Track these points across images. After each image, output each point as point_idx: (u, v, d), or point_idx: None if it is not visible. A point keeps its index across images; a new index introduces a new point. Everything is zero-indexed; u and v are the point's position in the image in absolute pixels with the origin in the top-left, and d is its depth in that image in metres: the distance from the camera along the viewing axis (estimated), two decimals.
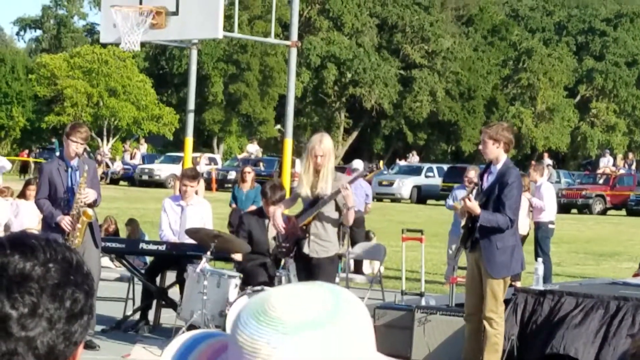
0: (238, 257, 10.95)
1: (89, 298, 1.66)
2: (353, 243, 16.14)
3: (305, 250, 9.48)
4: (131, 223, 16.25)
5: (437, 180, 46.45)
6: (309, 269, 9.48)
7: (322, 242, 9.46)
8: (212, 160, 51.56)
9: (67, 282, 1.63)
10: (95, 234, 10.56)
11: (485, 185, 9.26)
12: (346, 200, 9.34)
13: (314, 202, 9.45)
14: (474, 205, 9.08)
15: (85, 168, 10.36)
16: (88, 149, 11.09)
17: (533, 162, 16.93)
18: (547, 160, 54.09)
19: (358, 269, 16.85)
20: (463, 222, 9.58)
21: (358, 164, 19.38)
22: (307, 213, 9.51)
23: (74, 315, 1.63)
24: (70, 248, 1.69)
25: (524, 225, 15.84)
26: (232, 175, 46.50)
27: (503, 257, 9.10)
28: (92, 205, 10.40)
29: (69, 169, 10.39)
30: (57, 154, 51.89)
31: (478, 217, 9.05)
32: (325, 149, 9.36)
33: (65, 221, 10.22)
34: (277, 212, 9.75)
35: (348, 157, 59.90)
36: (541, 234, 16.21)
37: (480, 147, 9.36)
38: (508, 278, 9.38)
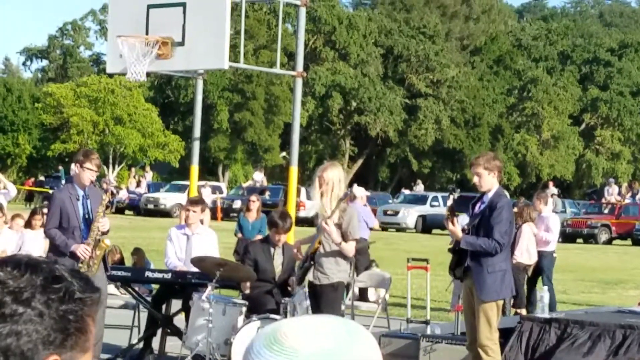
0: (247, 289, 10.91)
1: (12, 325, 1.68)
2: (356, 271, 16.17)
3: (310, 277, 9.54)
4: (137, 252, 16.27)
5: (442, 210, 46.34)
6: (314, 296, 9.52)
7: (324, 269, 9.49)
8: (216, 189, 51.54)
9: None
10: (106, 259, 10.58)
11: (477, 211, 9.32)
12: (330, 237, 9.35)
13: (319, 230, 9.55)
14: (456, 230, 9.14)
15: (103, 197, 10.34)
16: None
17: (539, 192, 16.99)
18: (553, 189, 54.01)
19: (363, 297, 16.86)
20: (450, 245, 9.62)
21: (357, 190, 19.34)
22: (312, 241, 9.61)
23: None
24: (17, 276, 1.71)
25: (533, 255, 15.89)
26: (237, 204, 46.45)
27: (493, 281, 9.11)
28: (105, 233, 10.38)
29: (82, 197, 10.31)
30: (63, 181, 51.93)
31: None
32: (328, 177, 9.42)
33: (81, 249, 10.07)
34: (296, 243, 9.94)
35: (353, 185, 59.85)
36: (546, 263, 16.27)
37: (475, 180, 9.37)
38: (501, 303, 9.37)
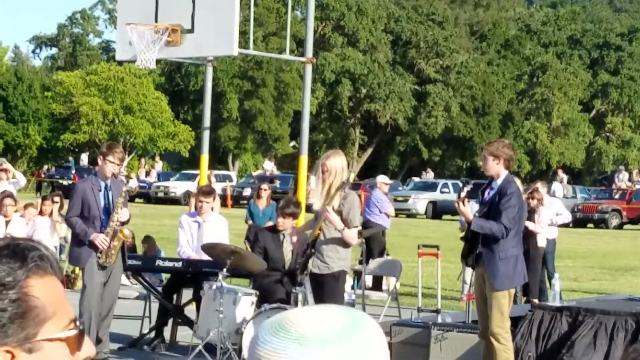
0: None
1: None
2: (369, 256, 16.17)
3: (310, 266, 9.48)
4: (147, 240, 16.27)
5: (452, 196, 46.37)
6: (315, 286, 9.45)
7: (324, 257, 9.42)
8: (226, 178, 51.65)
9: None
10: (125, 250, 10.67)
11: (486, 198, 9.30)
12: (333, 224, 9.28)
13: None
14: (466, 210, 9.12)
15: (123, 188, 10.47)
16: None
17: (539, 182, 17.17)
18: (562, 176, 54.07)
19: (377, 285, 16.80)
20: (462, 234, 9.59)
21: (383, 178, 19.55)
22: (311, 228, 9.57)
23: None
24: None
25: (543, 237, 15.97)
26: (247, 192, 46.60)
27: (506, 268, 9.07)
28: (125, 223, 10.48)
29: (104, 189, 10.43)
30: (73, 172, 51.99)
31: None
32: (331, 165, 9.35)
33: (99, 239, 10.26)
34: (293, 231, 9.88)
35: (363, 174, 59.86)
36: (548, 249, 16.37)
37: (481, 163, 9.41)
38: (512, 291, 9.34)
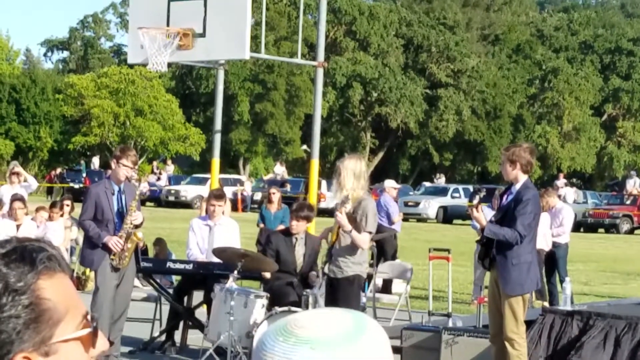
0: (267, 275, 10.95)
1: None
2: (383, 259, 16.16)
3: (326, 269, 9.49)
4: (159, 243, 16.28)
5: (463, 201, 46.39)
6: (331, 289, 9.46)
7: (339, 262, 9.43)
8: (237, 182, 51.70)
9: None
10: (138, 253, 10.69)
11: (504, 203, 9.29)
12: (341, 225, 9.30)
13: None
14: (480, 216, 9.10)
15: (137, 192, 10.49)
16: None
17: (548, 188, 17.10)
18: (562, 180, 53.94)
19: (387, 289, 16.81)
20: (478, 237, 9.58)
21: (389, 182, 19.51)
22: (329, 234, 9.58)
23: None
24: None
25: (550, 241, 15.94)
26: (257, 196, 46.67)
27: (517, 274, 9.04)
28: (138, 226, 10.51)
29: (117, 192, 10.45)
30: (84, 175, 52.03)
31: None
32: (342, 167, 9.41)
33: (113, 241, 10.29)
34: (323, 232, 9.92)
35: (374, 178, 59.81)
36: (561, 254, 16.31)
37: (500, 167, 9.42)
38: (527, 296, 9.31)
